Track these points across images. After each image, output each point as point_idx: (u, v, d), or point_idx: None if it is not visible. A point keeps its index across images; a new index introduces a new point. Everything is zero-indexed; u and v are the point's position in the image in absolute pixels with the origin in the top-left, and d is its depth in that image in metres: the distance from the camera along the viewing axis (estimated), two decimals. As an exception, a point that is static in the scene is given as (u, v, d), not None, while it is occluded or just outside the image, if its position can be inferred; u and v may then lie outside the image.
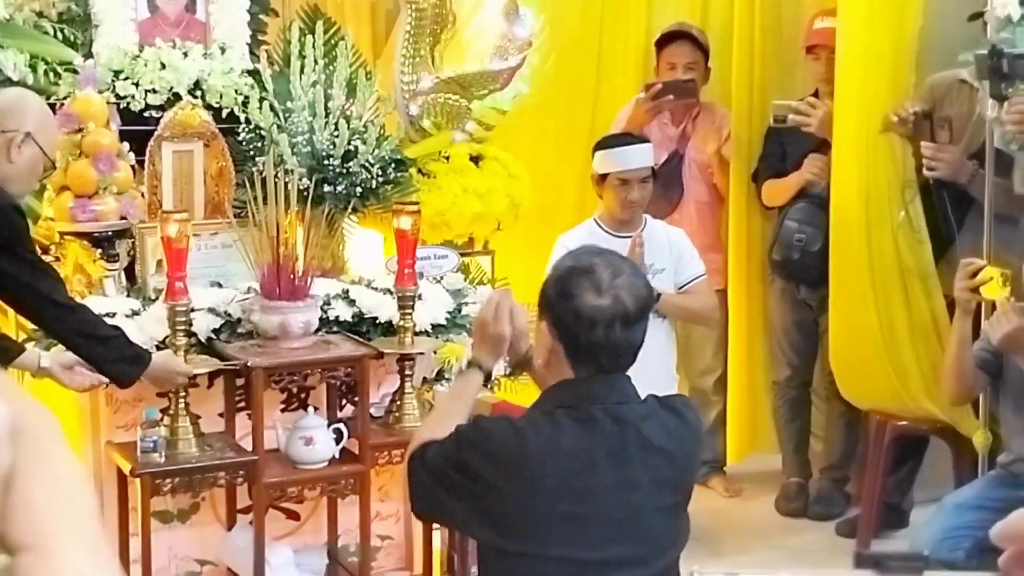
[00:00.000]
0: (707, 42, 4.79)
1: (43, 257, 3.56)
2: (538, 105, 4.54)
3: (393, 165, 3.92)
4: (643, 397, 2.30)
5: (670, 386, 4.14)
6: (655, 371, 4.06)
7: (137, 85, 3.71)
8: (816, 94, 4.56)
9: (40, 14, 3.70)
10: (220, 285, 3.59)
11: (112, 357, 3.06)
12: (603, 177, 4.05)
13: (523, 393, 4.00)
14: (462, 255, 4.14)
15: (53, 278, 3.02)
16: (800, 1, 4.83)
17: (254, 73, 3.88)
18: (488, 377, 2.48)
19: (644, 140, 4.20)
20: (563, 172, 5.18)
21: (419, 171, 4.17)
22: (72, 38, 3.69)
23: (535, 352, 2.33)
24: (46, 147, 3.03)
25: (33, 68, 3.41)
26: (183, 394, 3.29)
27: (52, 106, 3.48)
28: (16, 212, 2.92)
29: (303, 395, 3.63)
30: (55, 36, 3.58)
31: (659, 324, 4.12)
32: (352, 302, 3.65)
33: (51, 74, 3.50)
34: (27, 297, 2.95)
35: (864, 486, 4.45)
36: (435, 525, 3.77)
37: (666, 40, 4.78)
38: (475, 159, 4.34)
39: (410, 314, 3.57)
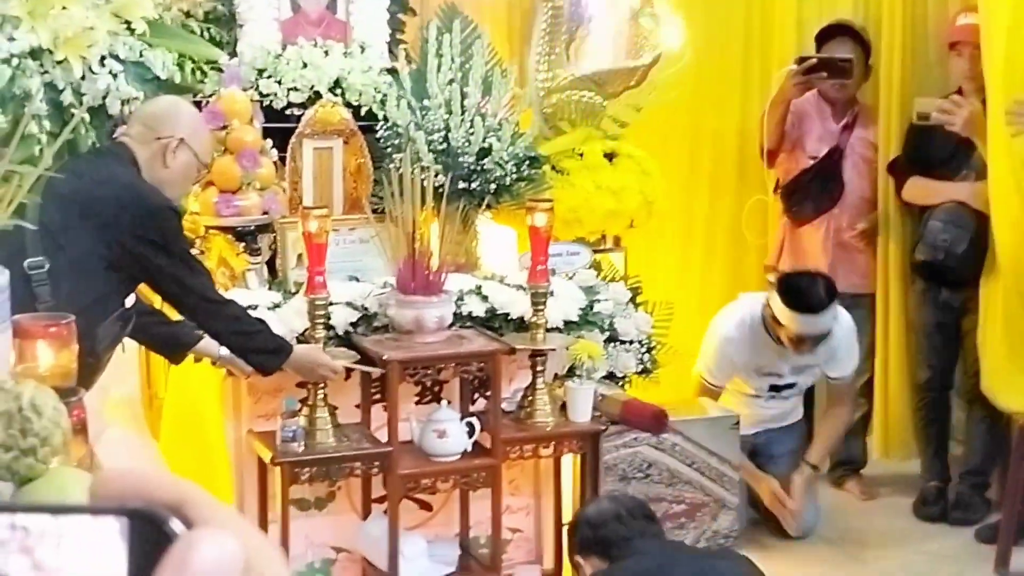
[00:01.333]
0: (869, 39, 4.73)
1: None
2: (674, 103, 4.52)
3: (527, 162, 3.95)
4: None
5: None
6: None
7: (280, 83, 3.81)
8: (960, 92, 4.45)
9: (187, 14, 3.81)
10: (357, 279, 3.66)
11: (257, 348, 3.19)
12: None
13: (653, 391, 4.00)
14: (594, 252, 4.15)
15: (204, 275, 3.15)
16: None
17: (392, 71, 3.94)
18: None
19: (831, 288, 4.17)
20: (698, 169, 5.16)
21: (552, 168, 4.19)
22: (218, 37, 3.79)
23: None
24: (199, 152, 3.14)
25: (180, 67, 3.51)
26: (321, 385, 3.36)
27: (198, 104, 3.59)
28: (172, 212, 3.06)
29: (437, 388, 3.68)
30: (201, 35, 3.69)
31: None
32: (485, 298, 3.69)
33: (197, 72, 3.59)
34: (180, 292, 3.07)
35: (1005, 492, 4.34)
36: (564, 520, 3.81)
37: (826, 35, 4.73)
38: (609, 156, 4.35)
39: (542, 310, 3.59)
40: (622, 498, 2.85)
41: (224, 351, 3.25)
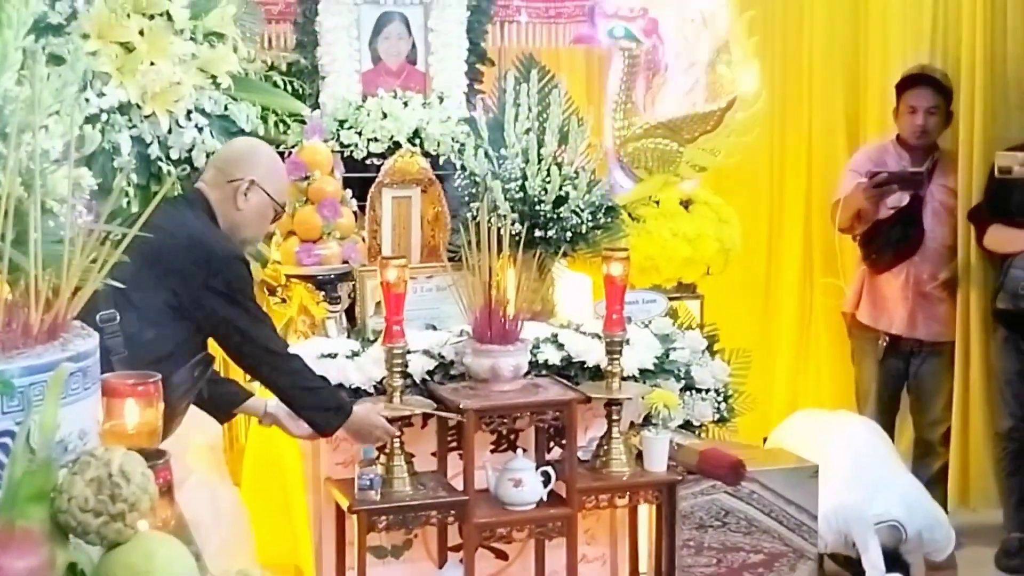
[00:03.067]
0: (950, 85, 4.69)
1: (270, 299, 3.76)
2: (752, 149, 4.52)
3: (603, 210, 3.96)
4: None
5: None
6: None
7: (360, 134, 3.88)
8: (1043, 138, 4.41)
9: (271, 67, 3.90)
10: (434, 327, 3.70)
11: (317, 405, 3.18)
12: None
13: (730, 440, 3.98)
14: (671, 299, 4.15)
15: (269, 327, 3.15)
16: (1028, 40, 4.68)
17: (470, 121, 3.99)
18: None
19: None
20: (776, 216, 5.14)
21: (629, 216, 4.21)
22: (300, 90, 3.87)
23: None
24: (274, 193, 3.16)
25: (264, 120, 3.60)
26: (398, 433, 3.39)
27: (281, 155, 3.66)
28: (241, 263, 3.06)
29: (512, 437, 3.69)
30: (284, 88, 3.77)
31: None
32: (561, 346, 3.70)
33: (281, 125, 3.68)
34: (242, 343, 3.07)
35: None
36: (641, 570, 3.79)
37: (908, 83, 4.70)
38: (685, 203, 4.36)
39: (618, 359, 3.59)
40: None
41: (272, 407, 3.24)
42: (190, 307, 2.97)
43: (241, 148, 3.23)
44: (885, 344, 4.78)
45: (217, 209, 3.11)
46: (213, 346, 3.16)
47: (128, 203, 3.18)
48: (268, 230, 3.38)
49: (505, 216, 3.71)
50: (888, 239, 4.70)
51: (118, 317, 2.80)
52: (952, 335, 4.74)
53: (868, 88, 5.09)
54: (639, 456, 3.65)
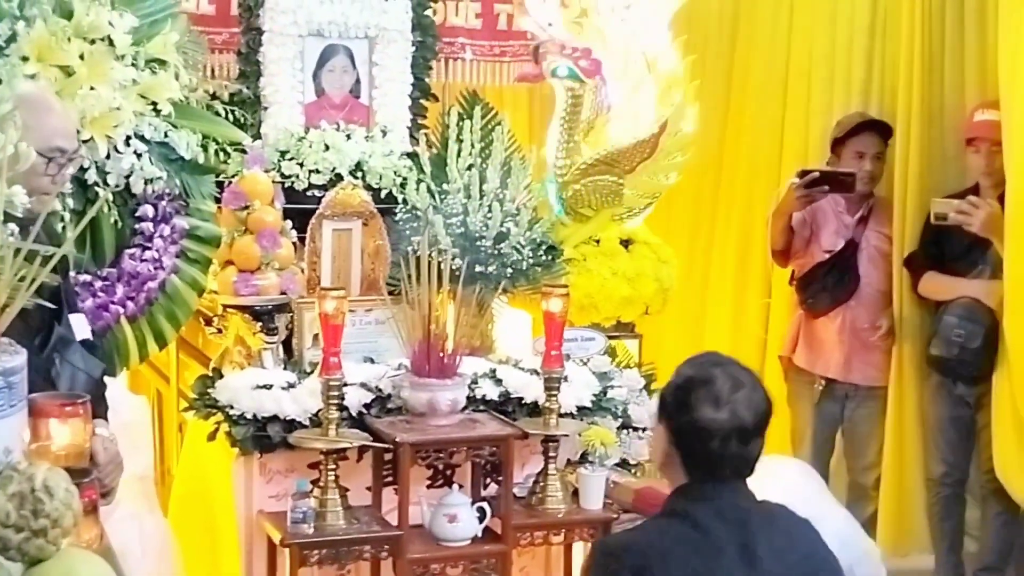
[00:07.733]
0: (890, 133, 4.76)
1: (206, 328, 3.72)
2: (692, 190, 4.55)
3: (543, 248, 3.98)
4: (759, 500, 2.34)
5: None
6: None
7: (302, 165, 3.86)
8: (976, 187, 4.48)
9: (213, 96, 3.88)
10: (372, 361, 3.68)
11: None
12: None
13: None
14: (609, 338, 4.16)
15: None
16: (962, 91, 4.75)
17: (413, 155, 4.00)
18: None
19: None
20: (713, 258, 5.18)
21: (580, 256, 4.22)
22: (242, 119, 3.85)
23: (652, 451, 2.37)
24: None
25: (204, 148, 3.57)
26: (332, 467, 3.36)
27: (220, 184, 3.65)
28: None
29: (448, 472, 3.67)
30: (226, 117, 3.74)
31: None
32: (499, 381, 3.69)
33: (221, 153, 3.65)
34: None
35: (1021, 590, 4.29)
36: (575, 609, 3.77)
37: (855, 129, 4.74)
38: (625, 243, 4.38)
39: (556, 395, 3.59)
40: (739, 407, 2.26)
41: None
42: None
43: None
44: (821, 388, 4.81)
45: None
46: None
47: (63, 228, 3.14)
48: None
49: (446, 251, 3.71)
50: (824, 284, 4.75)
51: None
52: (886, 380, 4.78)
53: (798, 137, 5.14)
54: (575, 493, 3.64)
